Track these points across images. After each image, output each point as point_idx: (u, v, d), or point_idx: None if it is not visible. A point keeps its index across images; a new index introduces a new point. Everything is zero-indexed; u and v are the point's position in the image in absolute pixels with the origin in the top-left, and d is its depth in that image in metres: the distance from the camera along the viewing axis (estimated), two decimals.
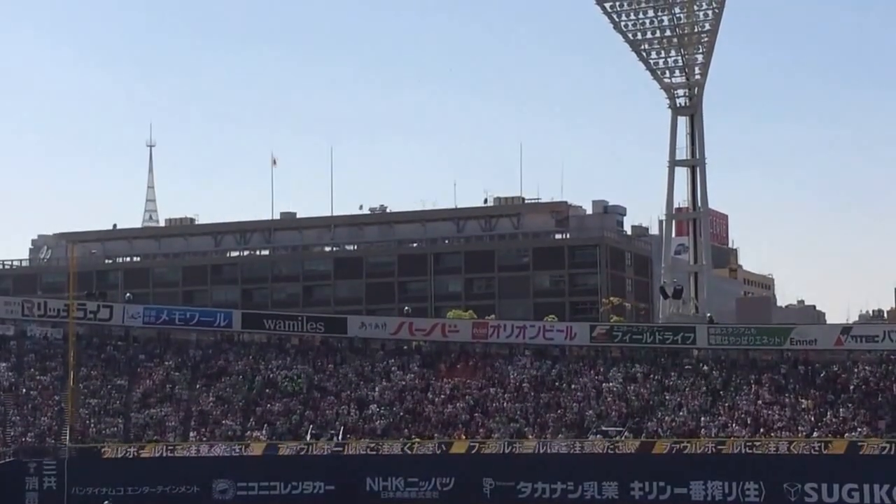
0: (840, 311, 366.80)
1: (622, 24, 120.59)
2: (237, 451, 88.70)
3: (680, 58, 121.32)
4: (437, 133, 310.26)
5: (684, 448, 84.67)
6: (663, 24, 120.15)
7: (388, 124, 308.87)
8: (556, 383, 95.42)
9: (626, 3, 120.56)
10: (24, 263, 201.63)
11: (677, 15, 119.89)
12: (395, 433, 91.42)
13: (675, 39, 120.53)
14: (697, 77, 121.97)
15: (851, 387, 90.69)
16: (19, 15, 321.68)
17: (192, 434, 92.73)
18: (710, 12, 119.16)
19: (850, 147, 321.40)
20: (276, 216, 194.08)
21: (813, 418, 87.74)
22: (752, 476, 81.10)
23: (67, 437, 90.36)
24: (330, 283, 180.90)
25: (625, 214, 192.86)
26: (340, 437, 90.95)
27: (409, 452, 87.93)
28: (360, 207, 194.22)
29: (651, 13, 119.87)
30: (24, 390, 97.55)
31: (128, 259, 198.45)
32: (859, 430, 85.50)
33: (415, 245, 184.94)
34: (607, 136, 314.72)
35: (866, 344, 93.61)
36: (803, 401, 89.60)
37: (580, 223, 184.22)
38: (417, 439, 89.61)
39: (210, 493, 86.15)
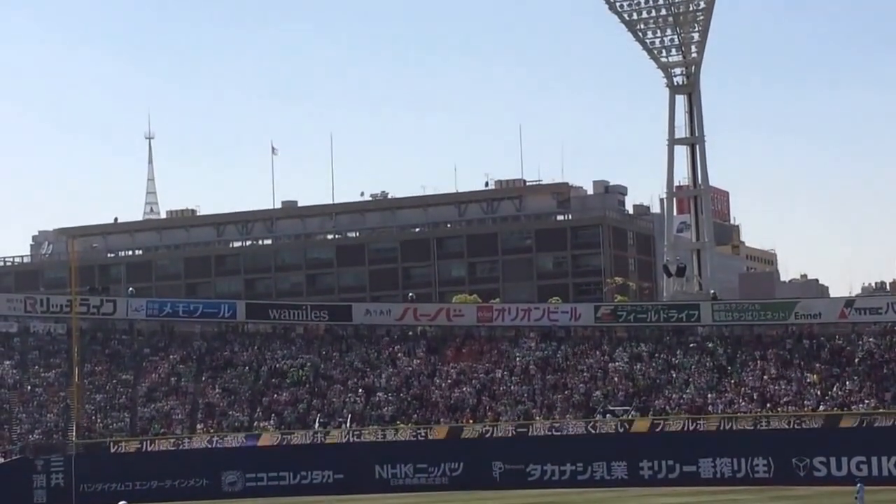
0: (843, 284, 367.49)
1: (617, 4, 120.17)
2: (245, 442, 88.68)
3: (676, 37, 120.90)
4: (436, 117, 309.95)
5: (692, 426, 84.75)
6: (658, 3, 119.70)
7: (387, 110, 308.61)
8: (563, 364, 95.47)
9: None
10: (26, 259, 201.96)
11: None
12: (403, 419, 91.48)
13: (670, 18, 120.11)
14: (694, 55, 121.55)
15: (857, 359, 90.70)
16: (15, 8, 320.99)
17: (199, 426, 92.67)
18: None
19: (849, 121, 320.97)
20: (278, 205, 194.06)
21: (819, 392, 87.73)
22: (761, 452, 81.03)
23: (74, 434, 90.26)
24: (333, 271, 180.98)
25: (626, 194, 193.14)
26: (348, 424, 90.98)
27: (417, 438, 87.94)
28: (362, 194, 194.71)
29: None
30: (28, 387, 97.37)
31: (129, 252, 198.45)
32: (866, 402, 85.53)
33: (417, 230, 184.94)
34: (607, 117, 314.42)
35: (870, 316, 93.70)
36: (809, 375, 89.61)
37: (582, 204, 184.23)
38: (423, 425, 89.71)
39: (219, 485, 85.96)
